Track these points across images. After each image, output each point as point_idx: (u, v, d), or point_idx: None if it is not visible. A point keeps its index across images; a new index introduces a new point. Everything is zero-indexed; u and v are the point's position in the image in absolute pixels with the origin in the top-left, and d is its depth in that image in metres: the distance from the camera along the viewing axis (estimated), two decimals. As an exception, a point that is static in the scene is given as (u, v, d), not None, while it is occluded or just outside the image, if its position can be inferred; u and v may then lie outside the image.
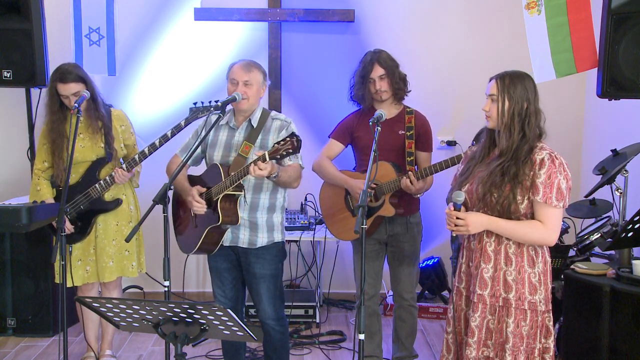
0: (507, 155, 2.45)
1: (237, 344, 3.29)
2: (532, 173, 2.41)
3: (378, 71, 3.41)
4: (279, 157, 2.74)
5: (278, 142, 2.74)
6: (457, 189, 2.55)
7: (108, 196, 3.58)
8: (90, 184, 3.52)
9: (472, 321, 2.50)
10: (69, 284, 3.50)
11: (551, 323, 2.51)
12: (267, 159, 2.74)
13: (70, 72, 3.43)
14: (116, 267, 3.61)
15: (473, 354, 2.49)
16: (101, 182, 3.50)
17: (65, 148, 3.49)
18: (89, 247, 3.59)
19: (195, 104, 3.12)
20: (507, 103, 2.45)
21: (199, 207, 3.00)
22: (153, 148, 3.37)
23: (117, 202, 3.59)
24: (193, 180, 3.19)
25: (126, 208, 3.64)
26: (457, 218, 2.44)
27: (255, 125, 3.12)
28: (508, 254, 2.48)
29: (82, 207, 3.52)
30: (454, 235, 2.52)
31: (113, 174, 3.46)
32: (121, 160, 3.54)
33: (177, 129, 3.24)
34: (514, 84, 2.46)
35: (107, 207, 3.57)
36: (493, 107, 2.49)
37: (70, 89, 3.41)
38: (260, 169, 2.76)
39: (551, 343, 2.50)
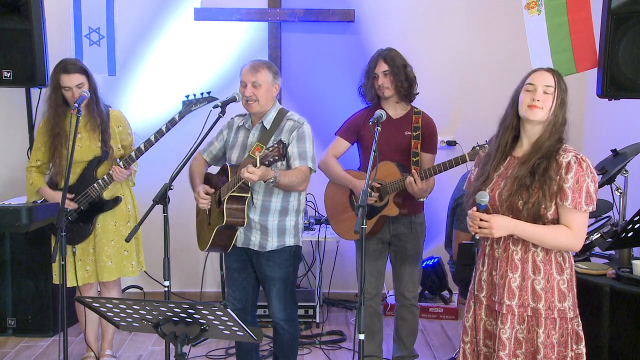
0: (538, 153, 2.35)
1: (250, 345, 3.29)
2: (558, 177, 2.32)
3: (382, 67, 3.42)
4: (267, 163, 2.73)
5: (268, 148, 2.74)
6: (475, 193, 2.44)
7: (107, 195, 3.58)
8: (88, 183, 3.52)
9: (503, 334, 2.39)
10: (71, 284, 3.50)
11: (580, 327, 2.42)
12: (258, 163, 2.72)
13: (73, 64, 3.46)
14: (116, 267, 3.61)
15: None
16: (99, 181, 3.50)
17: (64, 146, 3.49)
18: (89, 246, 3.59)
19: (187, 96, 3.12)
20: (560, 101, 2.36)
21: (203, 203, 3.09)
22: (149, 144, 3.39)
23: (116, 200, 3.59)
24: (209, 179, 3.25)
25: (124, 208, 3.64)
26: (481, 220, 2.34)
27: (268, 127, 3.11)
28: (536, 262, 2.38)
29: (82, 207, 3.53)
30: (477, 238, 2.40)
31: (111, 172, 3.47)
32: (117, 160, 3.54)
33: (172, 124, 3.26)
34: (565, 84, 2.40)
35: (108, 206, 3.58)
36: (547, 99, 2.36)
37: (73, 80, 3.42)
38: (249, 172, 2.74)
39: (583, 348, 2.41)
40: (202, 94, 3.10)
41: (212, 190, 3.13)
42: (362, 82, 3.56)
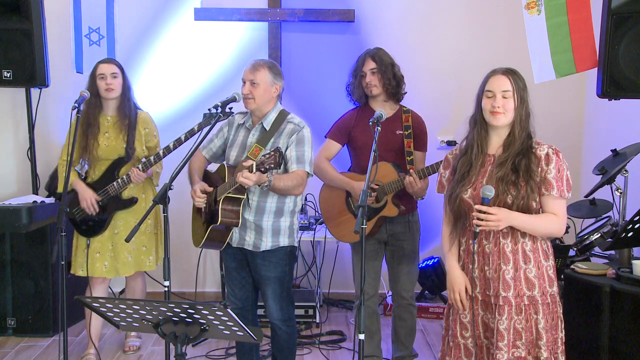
0: (514, 152, 2.46)
1: (250, 345, 3.29)
2: (539, 169, 2.44)
3: (369, 65, 3.43)
4: (262, 170, 2.76)
5: (264, 155, 2.77)
6: (457, 195, 2.53)
7: (126, 194, 3.70)
8: (110, 181, 3.65)
9: (500, 324, 2.47)
10: (84, 274, 3.68)
11: (561, 310, 2.56)
12: (254, 170, 2.75)
13: (111, 59, 3.75)
14: (134, 262, 3.75)
15: (505, 357, 2.46)
16: (118, 180, 3.63)
17: (96, 139, 3.64)
18: (108, 242, 3.71)
19: (210, 109, 3.14)
20: (520, 99, 2.46)
21: (199, 201, 3.11)
22: (167, 151, 3.52)
23: (132, 201, 3.70)
24: (208, 176, 3.26)
25: (145, 207, 3.74)
26: (488, 213, 2.39)
27: (268, 128, 3.11)
28: (525, 252, 2.49)
29: (100, 203, 3.65)
30: (477, 231, 2.45)
31: (130, 173, 3.57)
32: (143, 159, 3.66)
33: (190, 134, 3.35)
34: (522, 80, 2.49)
35: (124, 205, 3.70)
36: (507, 103, 2.46)
37: (110, 68, 3.63)
38: (244, 178, 2.78)
39: (563, 330, 2.56)
40: (224, 108, 3.12)
41: (210, 189, 3.13)
42: (349, 81, 3.56)
